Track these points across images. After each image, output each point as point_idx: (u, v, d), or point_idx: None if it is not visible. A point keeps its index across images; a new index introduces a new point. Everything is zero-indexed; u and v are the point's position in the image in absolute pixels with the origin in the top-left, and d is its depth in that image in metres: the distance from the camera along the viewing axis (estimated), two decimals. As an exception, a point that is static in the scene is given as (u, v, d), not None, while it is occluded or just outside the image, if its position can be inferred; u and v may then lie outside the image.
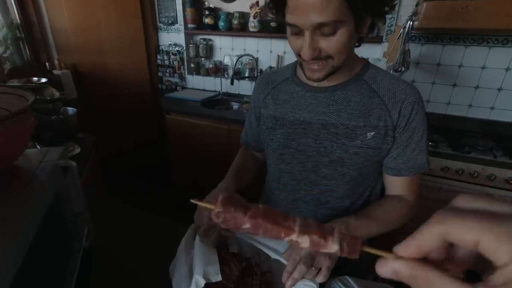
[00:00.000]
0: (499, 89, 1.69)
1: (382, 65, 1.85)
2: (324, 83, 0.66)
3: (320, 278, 0.54)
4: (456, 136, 1.66)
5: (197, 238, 0.64)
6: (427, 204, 1.46)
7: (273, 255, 0.64)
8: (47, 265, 0.54)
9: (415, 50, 1.78)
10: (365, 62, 0.68)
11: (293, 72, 0.73)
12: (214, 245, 0.68)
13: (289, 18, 0.55)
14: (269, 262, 0.66)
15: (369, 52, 1.91)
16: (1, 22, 1.79)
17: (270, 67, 2.22)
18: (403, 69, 1.67)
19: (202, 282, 0.54)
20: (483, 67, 1.68)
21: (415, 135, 0.64)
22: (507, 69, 1.64)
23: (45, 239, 0.53)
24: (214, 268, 0.57)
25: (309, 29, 0.53)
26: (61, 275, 0.58)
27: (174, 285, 0.59)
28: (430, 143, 1.54)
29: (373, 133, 0.64)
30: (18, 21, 1.93)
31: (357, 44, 0.62)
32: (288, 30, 0.58)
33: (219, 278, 0.55)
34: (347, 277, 0.62)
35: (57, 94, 1.16)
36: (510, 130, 1.70)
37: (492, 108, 1.74)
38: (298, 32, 0.56)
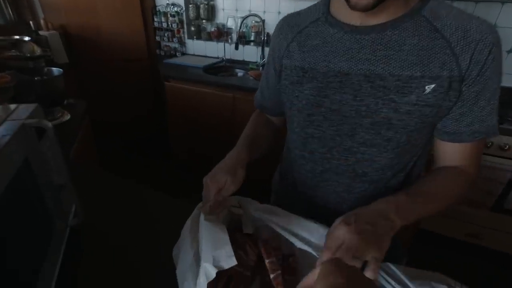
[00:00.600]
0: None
1: None
2: (370, 21, 0.51)
3: (369, 274, 0.42)
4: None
5: (202, 217, 0.52)
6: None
7: (299, 245, 0.52)
8: (24, 232, 0.43)
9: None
10: None
11: (325, 10, 0.56)
12: (226, 222, 0.57)
13: None
14: (292, 248, 0.55)
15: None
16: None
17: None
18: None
19: (213, 271, 0.42)
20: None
21: (488, 89, 0.49)
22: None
23: (11, 214, 0.41)
24: (225, 250, 0.45)
25: None
26: (41, 255, 0.47)
27: (179, 275, 0.48)
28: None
29: (433, 85, 0.49)
30: (-4, -28, 1.71)
31: None
32: None
33: (232, 262, 0.43)
34: (389, 264, 0.50)
35: (38, 50, 1.00)
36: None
37: (521, 74, 1.58)
38: None
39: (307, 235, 0.53)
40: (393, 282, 0.47)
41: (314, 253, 0.50)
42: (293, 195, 0.72)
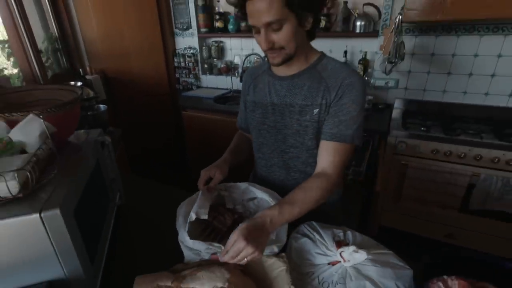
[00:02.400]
0: (492, 75, 1.77)
1: (379, 58, 1.98)
2: (286, 72, 0.85)
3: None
4: (451, 121, 1.76)
5: (200, 192, 0.85)
6: (416, 185, 1.59)
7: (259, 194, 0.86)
8: (95, 207, 0.76)
9: (410, 42, 1.89)
10: (321, 55, 0.86)
11: (268, 66, 0.92)
12: (214, 200, 0.89)
13: (249, 21, 0.74)
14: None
15: (368, 45, 2.04)
16: (43, 36, 2.11)
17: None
18: (395, 60, 1.79)
19: (194, 217, 0.75)
20: (476, 55, 1.77)
21: (344, 109, 0.78)
22: (499, 56, 1.71)
23: (92, 190, 0.75)
24: (204, 210, 0.77)
25: (263, 27, 0.72)
26: (102, 221, 0.80)
27: (177, 219, 0.79)
28: (422, 128, 1.66)
29: (317, 109, 0.81)
30: (56, 34, 2.24)
31: (311, 37, 0.82)
32: (253, 31, 0.77)
33: (205, 217, 0.76)
34: (313, 222, 0.79)
35: (91, 93, 1.41)
36: (503, 114, 1.77)
37: (486, 94, 1.82)
38: (258, 30, 0.75)
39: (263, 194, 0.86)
40: (310, 229, 0.76)
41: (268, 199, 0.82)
42: (258, 181, 1.03)
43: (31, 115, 0.63)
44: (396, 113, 1.95)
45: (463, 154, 1.52)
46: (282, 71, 0.86)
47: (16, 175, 0.51)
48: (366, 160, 1.67)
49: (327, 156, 0.82)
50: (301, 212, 0.74)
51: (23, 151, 0.63)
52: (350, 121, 0.79)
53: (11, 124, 0.63)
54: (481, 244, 1.65)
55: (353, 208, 1.85)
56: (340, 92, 0.79)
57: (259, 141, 0.96)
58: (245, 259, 0.64)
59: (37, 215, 0.51)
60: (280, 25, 0.72)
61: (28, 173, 0.53)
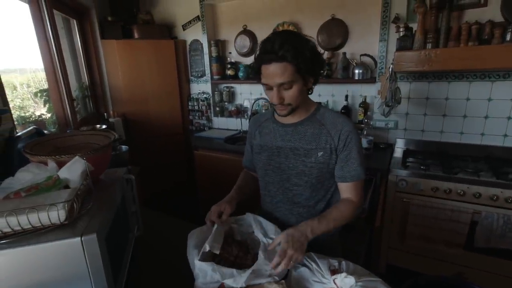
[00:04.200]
0: (486, 117, 1.88)
1: (377, 101, 2.14)
2: (290, 121, 0.99)
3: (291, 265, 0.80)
4: (450, 160, 1.84)
5: (215, 227, 0.95)
6: (420, 222, 1.63)
7: (257, 234, 0.93)
8: (119, 236, 0.87)
9: (405, 87, 2.05)
10: (318, 105, 1.01)
11: (272, 115, 1.07)
12: (225, 232, 0.98)
13: (263, 80, 0.91)
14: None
15: (367, 90, 2.22)
16: (75, 85, 2.39)
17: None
18: (392, 103, 1.94)
19: (207, 249, 0.84)
20: (468, 99, 1.90)
21: (352, 154, 0.94)
22: (489, 99, 1.84)
23: (118, 221, 0.86)
24: (217, 244, 0.87)
25: (276, 86, 0.88)
26: (124, 248, 0.91)
27: (189, 247, 0.88)
28: (421, 167, 1.74)
29: (322, 152, 0.95)
30: (87, 83, 2.54)
31: (310, 92, 0.98)
32: (264, 87, 0.93)
33: (217, 252, 0.85)
34: (311, 253, 0.87)
35: (116, 136, 1.58)
36: (500, 153, 1.84)
37: (482, 134, 1.91)
38: (270, 88, 0.90)
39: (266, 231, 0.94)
40: (309, 260, 0.84)
41: (264, 240, 0.89)
42: (264, 216, 1.12)
43: (77, 157, 0.77)
44: (397, 152, 2.04)
45: (462, 192, 1.57)
46: (285, 119, 1.00)
47: (66, 205, 0.64)
48: (368, 197, 1.73)
49: (350, 192, 0.97)
50: (335, 226, 0.92)
51: (66, 186, 0.76)
52: (360, 160, 0.95)
53: (60, 164, 0.77)
54: (491, 284, 1.62)
55: (358, 247, 1.87)
56: (343, 139, 0.93)
57: (265, 180, 1.08)
58: (291, 262, 0.78)
59: (79, 238, 0.62)
60: (290, 86, 0.88)
61: (74, 204, 0.66)
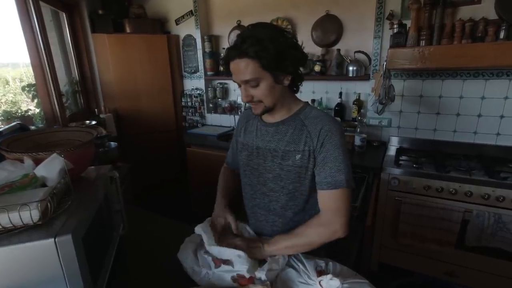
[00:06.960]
0: (479, 115, 1.87)
1: (371, 99, 2.12)
2: (272, 120, 0.94)
3: None
4: (443, 158, 1.83)
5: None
6: (411, 220, 1.62)
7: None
8: (100, 236, 0.84)
9: (399, 84, 2.04)
10: (305, 104, 0.94)
11: None
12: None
13: (232, 77, 0.86)
14: None
15: (361, 87, 2.20)
16: (65, 80, 2.34)
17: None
18: (386, 101, 1.92)
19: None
20: (461, 97, 1.89)
21: (330, 157, 0.83)
22: (482, 98, 1.83)
23: (99, 220, 0.83)
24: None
25: (242, 83, 0.85)
26: (106, 248, 0.88)
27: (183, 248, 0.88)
28: (414, 165, 1.73)
29: (299, 155, 0.87)
30: (77, 78, 2.48)
31: (296, 90, 0.93)
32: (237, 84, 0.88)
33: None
34: (299, 253, 0.85)
35: (104, 132, 1.55)
36: (492, 151, 1.84)
37: (475, 132, 1.91)
38: (240, 85, 0.87)
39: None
40: (296, 260, 0.82)
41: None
42: (245, 217, 1.11)
43: (54, 154, 0.74)
44: (390, 150, 2.03)
45: (454, 190, 1.57)
46: (268, 118, 0.95)
47: (38, 205, 0.61)
48: (360, 196, 1.72)
49: (326, 202, 0.86)
50: (295, 251, 0.87)
51: (43, 185, 0.74)
52: (340, 166, 0.83)
53: (37, 161, 0.74)
54: (482, 282, 1.62)
55: (350, 245, 1.86)
56: (321, 139, 0.84)
57: (244, 181, 1.05)
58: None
59: (52, 239, 0.60)
60: (257, 83, 0.82)
61: (48, 204, 0.63)
